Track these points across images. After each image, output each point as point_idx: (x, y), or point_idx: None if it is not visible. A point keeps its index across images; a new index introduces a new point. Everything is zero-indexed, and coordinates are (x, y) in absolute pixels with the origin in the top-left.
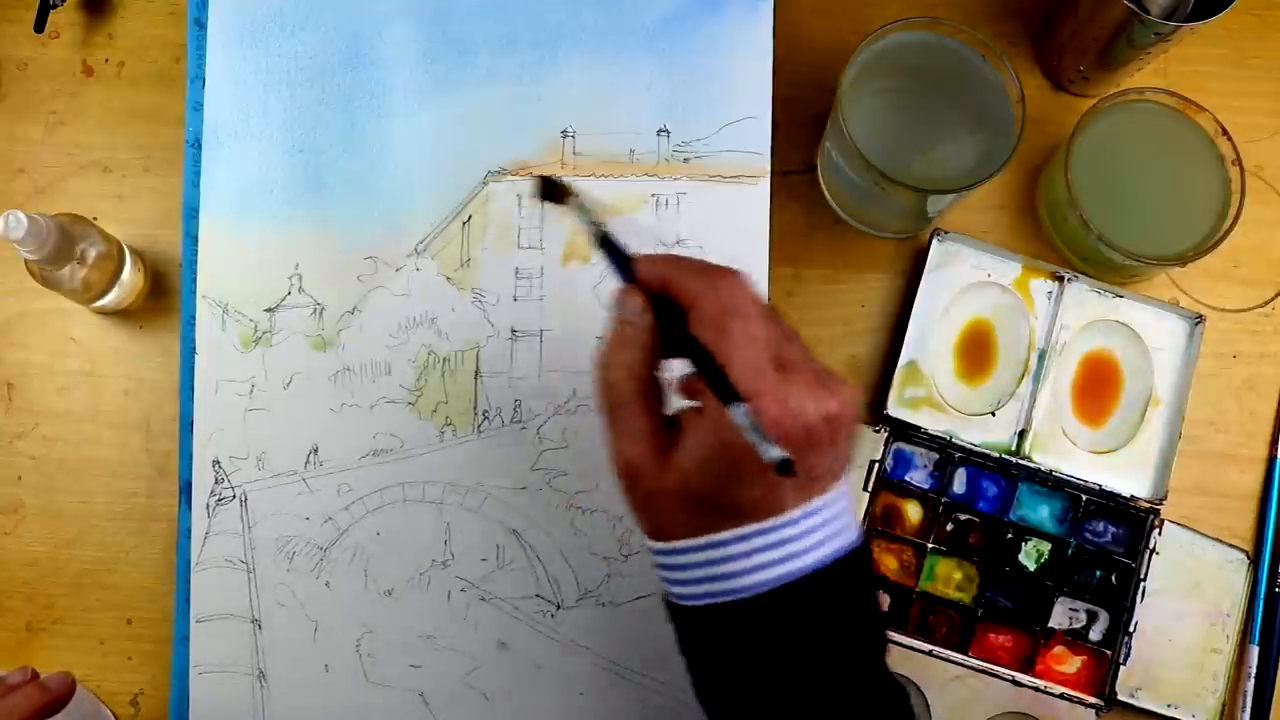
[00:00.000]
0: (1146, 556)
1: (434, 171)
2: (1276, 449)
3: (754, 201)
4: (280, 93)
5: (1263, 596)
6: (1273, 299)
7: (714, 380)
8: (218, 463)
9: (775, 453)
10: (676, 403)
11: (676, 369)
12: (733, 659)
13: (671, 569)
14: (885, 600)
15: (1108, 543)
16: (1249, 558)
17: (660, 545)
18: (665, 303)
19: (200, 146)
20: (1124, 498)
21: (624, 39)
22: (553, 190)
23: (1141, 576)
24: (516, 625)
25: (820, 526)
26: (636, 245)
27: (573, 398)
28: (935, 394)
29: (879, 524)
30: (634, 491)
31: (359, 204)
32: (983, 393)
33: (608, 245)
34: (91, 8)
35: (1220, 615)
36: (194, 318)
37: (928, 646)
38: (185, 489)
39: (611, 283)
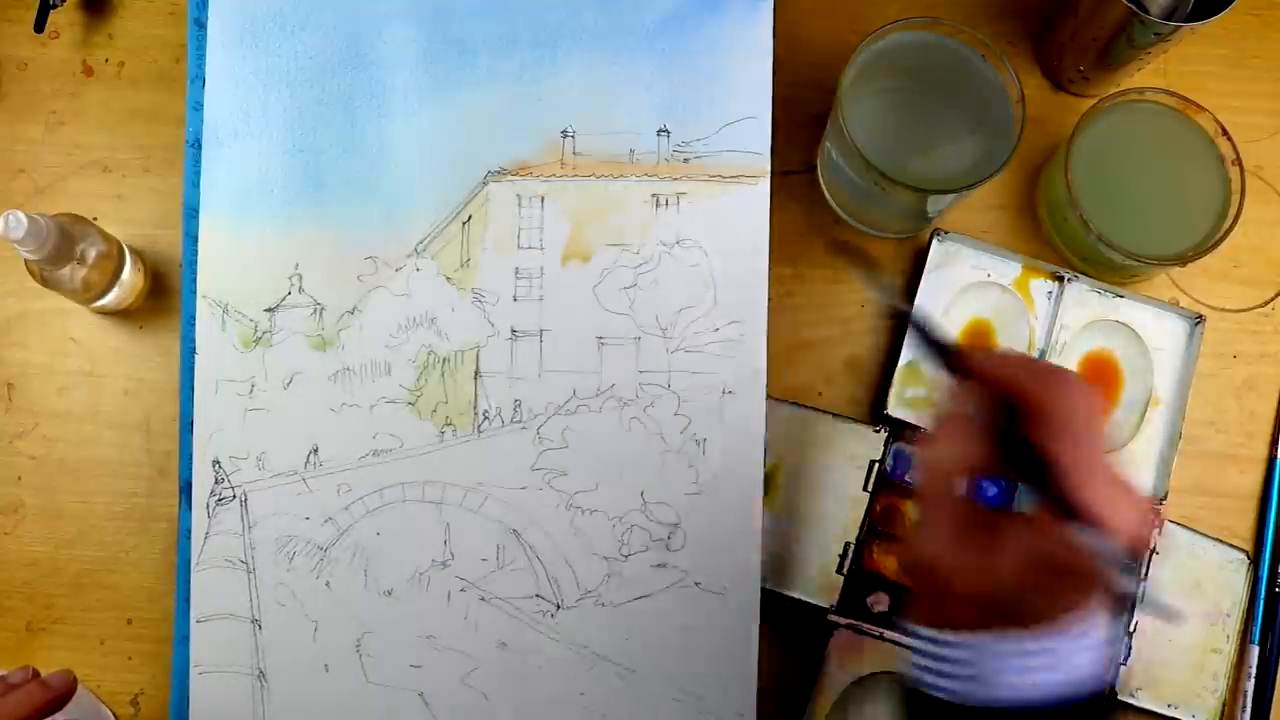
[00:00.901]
0: (1146, 556)
1: (434, 171)
2: (1276, 449)
3: (754, 201)
4: (280, 93)
5: (1263, 596)
6: (1273, 299)
7: (1063, 499)
8: (218, 463)
9: (1132, 587)
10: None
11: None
12: None
13: (936, 659)
14: (884, 600)
15: None
16: (1249, 558)
17: (935, 635)
18: (997, 398)
19: (200, 146)
20: None
21: (624, 39)
22: (861, 261)
23: (1141, 576)
24: (516, 625)
25: (1090, 652)
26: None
27: (573, 398)
28: (935, 394)
29: (879, 524)
30: (934, 584)
31: (359, 204)
32: None
33: (923, 332)
34: (91, 8)
35: (1220, 615)
36: (194, 318)
37: None
38: (185, 489)
39: (615, 282)
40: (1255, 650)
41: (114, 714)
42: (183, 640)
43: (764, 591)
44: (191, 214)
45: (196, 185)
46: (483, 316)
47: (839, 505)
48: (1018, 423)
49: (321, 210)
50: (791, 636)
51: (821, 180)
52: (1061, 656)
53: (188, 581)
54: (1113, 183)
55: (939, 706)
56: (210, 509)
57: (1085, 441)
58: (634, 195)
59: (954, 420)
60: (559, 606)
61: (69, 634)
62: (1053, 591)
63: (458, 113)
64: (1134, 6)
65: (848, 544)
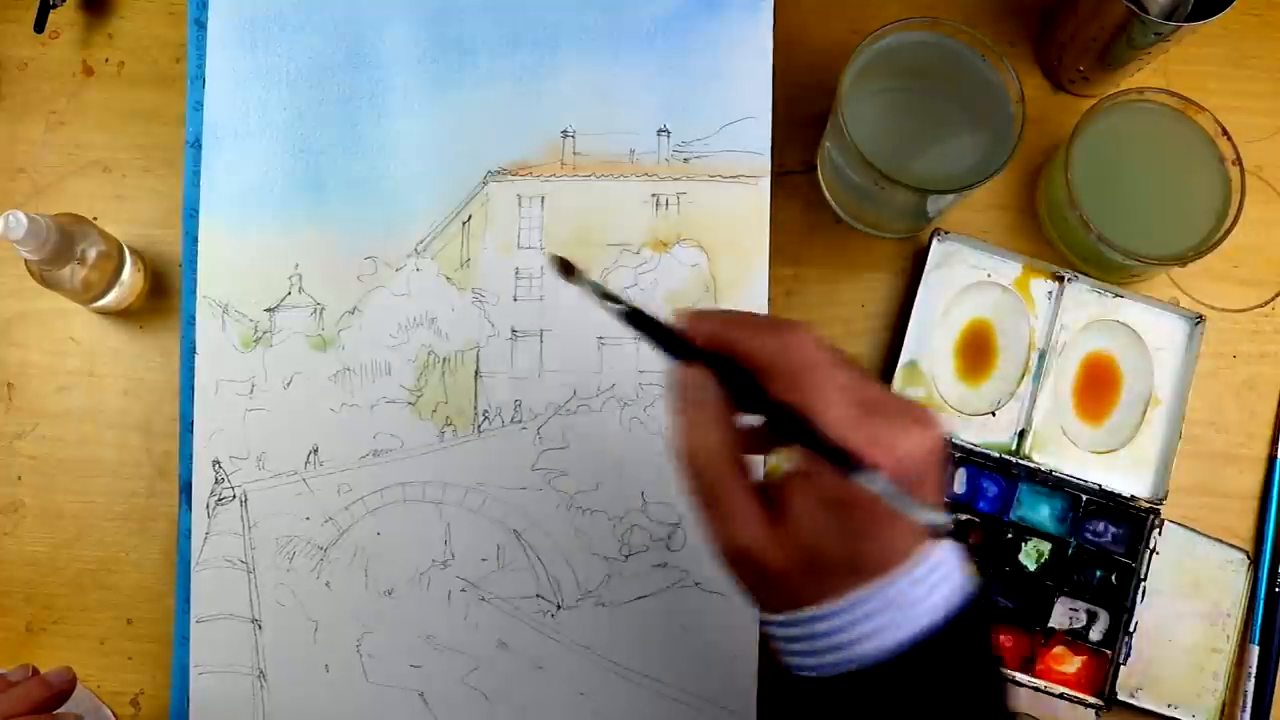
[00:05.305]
0: (1146, 556)
1: (434, 171)
2: (1276, 449)
3: (754, 201)
4: (280, 93)
5: (1263, 596)
6: (1273, 299)
7: (819, 445)
8: (218, 463)
9: (930, 515)
10: (778, 464)
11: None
12: None
13: (789, 640)
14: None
15: (1108, 543)
16: (1249, 558)
17: (777, 618)
18: (726, 365)
19: (200, 146)
20: (1124, 498)
21: (624, 39)
22: (564, 269)
23: (1141, 576)
24: (516, 625)
25: (938, 580)
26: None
27: (573, 398)
28: (935, 394)
29: None
30: (749, 573)
31: (359, 204)
32: (983, 393)
33: (639, 320)
34: (91, 8)
35: (1220, 615)
36: (194, 318)
37: None
38: (185, 489)
39: (615, 282)
40: (1255, 650)
41: (114, 714)
42: (183, 640)
43: None
44: (191, 214)
45: (196, 185)
46: (483, 316)
47: None
48: (760, 383)
49: (322, 210)
50: None
51: (821, 180)
52: (904, 597)
53: (188, 581)
54: (1113, 183)
55: (819, 685)
56: (210, 509)
57: (820, 385)
58: (634, 195)
59: (690, 408)
60: (559, 606)
61: (69, 634)
62: (861, 532)
63: (458, 113)
64: (1134, 6)
65: None
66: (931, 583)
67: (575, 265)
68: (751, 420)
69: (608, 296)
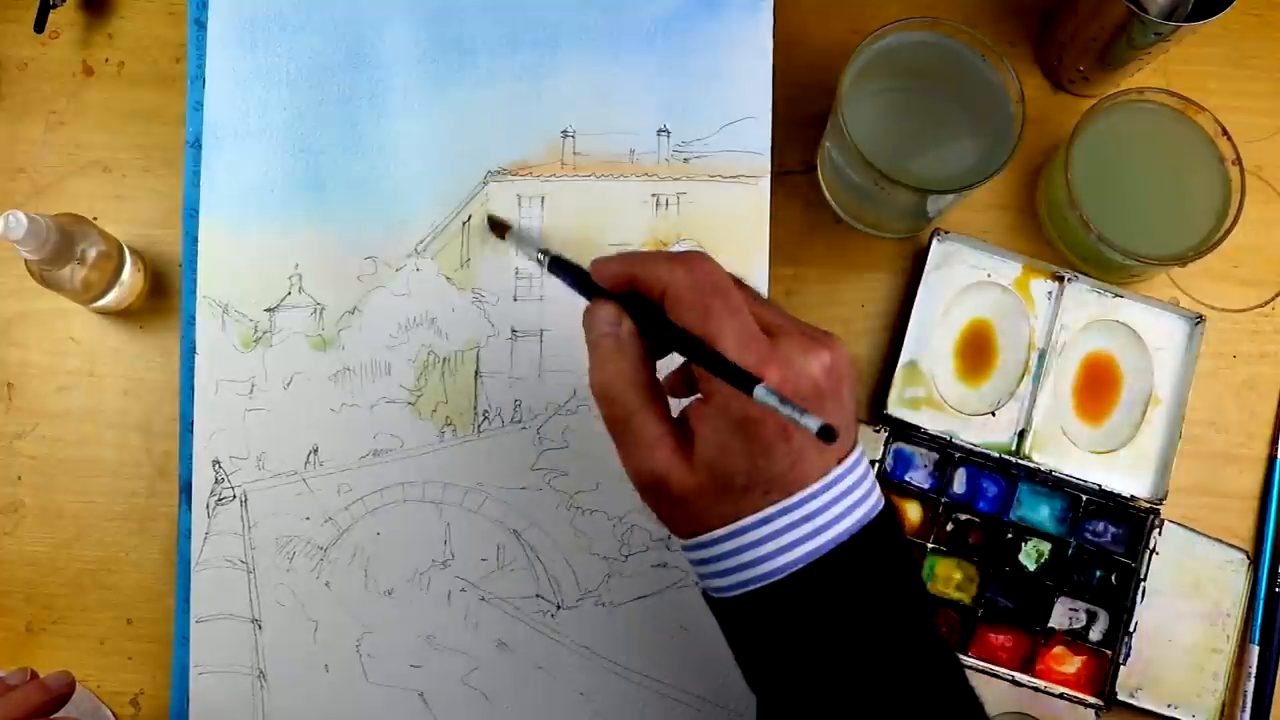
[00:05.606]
0: (1146, 556)
1: (434, 171)
2: (1276, 449)
3: (754, 201)
4: (280, 93)
5: (1263, 596)
6: (1273, 299)
7: (715, 364)
8: (218, 463)
9: (813, 421)
10: (679, 402)
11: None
12: (776, 643)
13: (703, 563)
14: None
15: (1108, 543)
16: (1249, 558)
17: (689, 541)
18: (637, 302)
19: (200, 146)
20: (1124, 498)
21: (624, 39)
22: (495, 226)
23: (1141, 576)
24: (516, 625)
25: (842, 496)
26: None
27: (573, 398)
28: (935, 394)
29: None
30: (663, 499)
31: (359, 204)
32: (983, 393)
33: (561, 266)
34: (91, 8)
35: (1220, 615)
36: (194, 318)
37: None
38: (185, 489)
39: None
40: (1255, 650)
41: (114, 714)
42: (183, 640)
43: None
44: (191, 214)
45: (196, 185)
46: (483, 316)
47: None
48: (664, 314)
49: (321, 210)
50: None
51: (821, 180)
52: (807, 517)
53: (188, 581)
54: (1113, 183)
55: (735, 604)
56: (210, 509)
57: (719, 310)
58: (634, 195)
59: (602, 342)
60: (559, 606)
61: (69, 634)
62: (764, 452)
63: (458, 113)
64: (1134, 6)
65: None
66: (837, 503)
67: (508, 223)
68: (669, 359)
69: (533, 245)
